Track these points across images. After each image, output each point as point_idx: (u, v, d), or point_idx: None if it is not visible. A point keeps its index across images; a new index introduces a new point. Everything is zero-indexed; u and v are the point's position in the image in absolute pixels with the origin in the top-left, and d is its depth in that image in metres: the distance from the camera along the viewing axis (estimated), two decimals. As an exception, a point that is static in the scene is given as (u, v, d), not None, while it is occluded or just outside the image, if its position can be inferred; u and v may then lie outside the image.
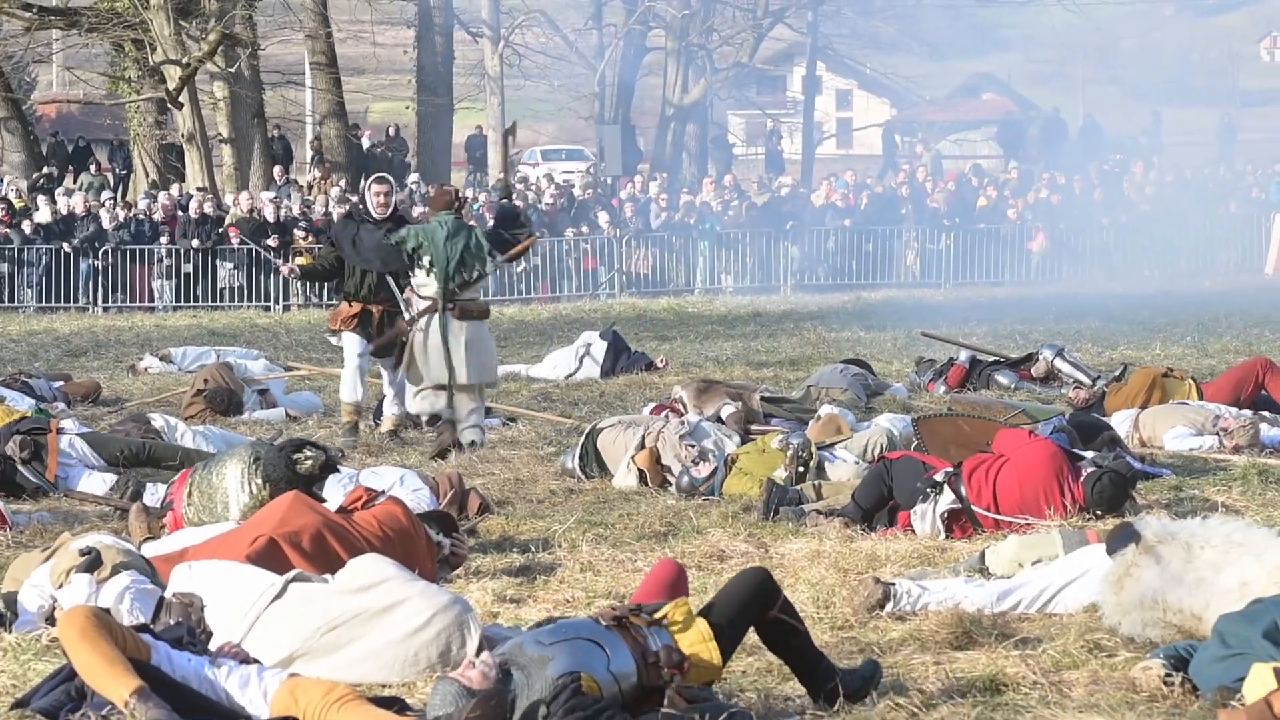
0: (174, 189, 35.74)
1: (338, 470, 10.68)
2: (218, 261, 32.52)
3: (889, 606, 8.59)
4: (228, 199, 35.02)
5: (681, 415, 14.05)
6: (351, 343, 15.30)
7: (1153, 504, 11.02)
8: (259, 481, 9.99)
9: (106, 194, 37.08)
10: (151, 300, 32.31)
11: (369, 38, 45.14)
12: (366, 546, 8.68)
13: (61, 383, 18.29)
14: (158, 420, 14.27)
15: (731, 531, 10.79)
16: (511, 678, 6.53)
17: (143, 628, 7.19)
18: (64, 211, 33.17)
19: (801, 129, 52.84)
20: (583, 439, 13.34)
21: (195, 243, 32.40)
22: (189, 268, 32.41)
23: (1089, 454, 11.46)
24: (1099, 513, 10.53)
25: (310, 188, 37.69)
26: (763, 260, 35.08)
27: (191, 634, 7.31)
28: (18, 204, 33.82)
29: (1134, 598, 8.01)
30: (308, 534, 8.74)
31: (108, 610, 7.20)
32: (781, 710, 7.13)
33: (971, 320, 25.84)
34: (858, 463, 12.45)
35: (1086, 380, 17.31)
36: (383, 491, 9.89)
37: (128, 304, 32.09)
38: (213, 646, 7.27)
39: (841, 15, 50.95)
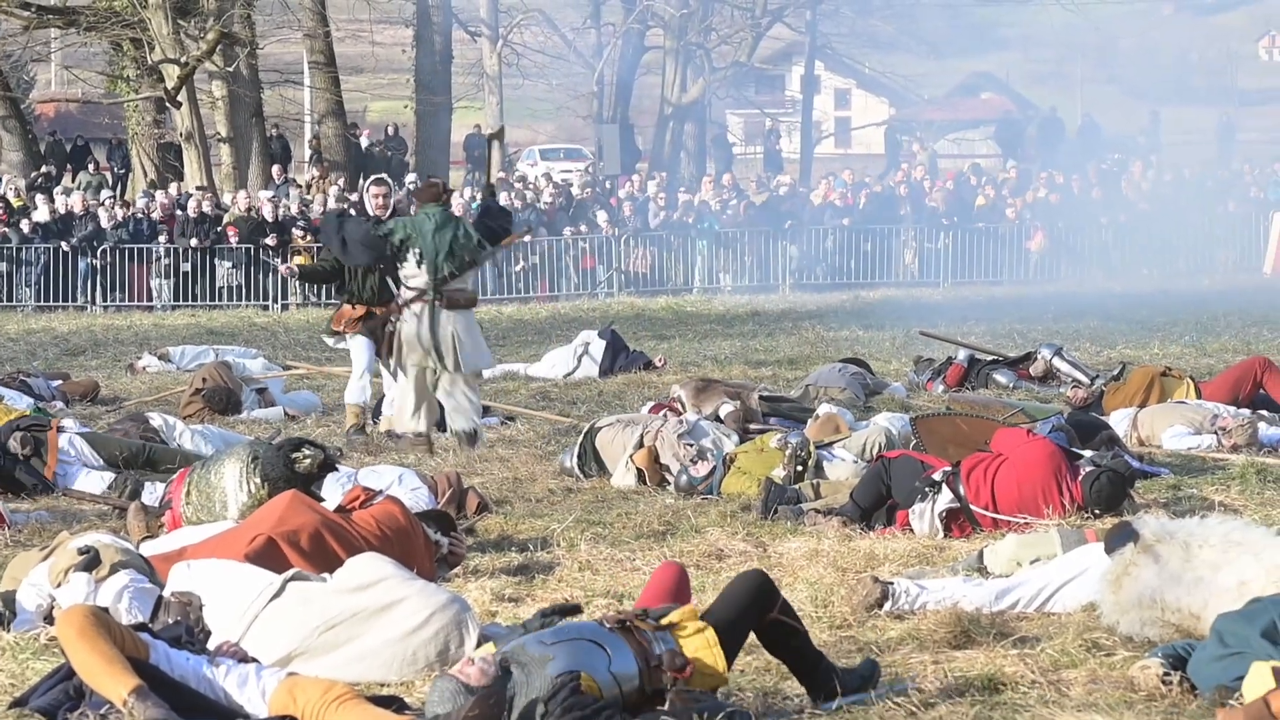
0: (172, 188, 35.75)
1: (336, 469, 10.67)
2: (216, 260, 32.52)
3: (887, 605, 8.60)
4: (226, 198, 35.02)
5: (680, 414, 14.05)
6: (359, 345, 15.30)
7: (1151, 503, 11.01)
8: (257, 480, 10.00)
9: (105, 193, 37.08)
10: (150, 299, 32.31)
11: (367, 37, 45.15)
12: (365, 545, 8.67)
13: (60, 381, 18.30)
14: (156, 419, 14.26)
15: (730, 530, 10.79)
16: (511, 675, 6.53)
17: (141, 626, 7.19)
18: (62, 210, 33.17)
19: (800, 128, 52.86)
20: (581, 438, 13.34)
21: (194, 242, 32.40)
22: (187, 267, 32.41)
23: (1087, 453, 11.46)
24: (1097, 512, 10.53)
25: (309, 187, 37.68)
26: (761, 259, 35.08)
27: (190, 633, 7.31)
28: (16, 203, 33.83)
29: (1132, 597, 8.01)
30: (306, 533, 8.74)
31: (106, 609, 7.20)
32: (780, 709, 7.13)
33: (970, 319, 25.84)
34: (856, 462, 12.45)
35: (1085, 379, 17.31)
36: (381, 491, 9.88)
37: (126, 303, 32.09)
38: (211, 645, 7.27)
39: (840, 14, 50.99)
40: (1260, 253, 36.47)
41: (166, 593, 8.04)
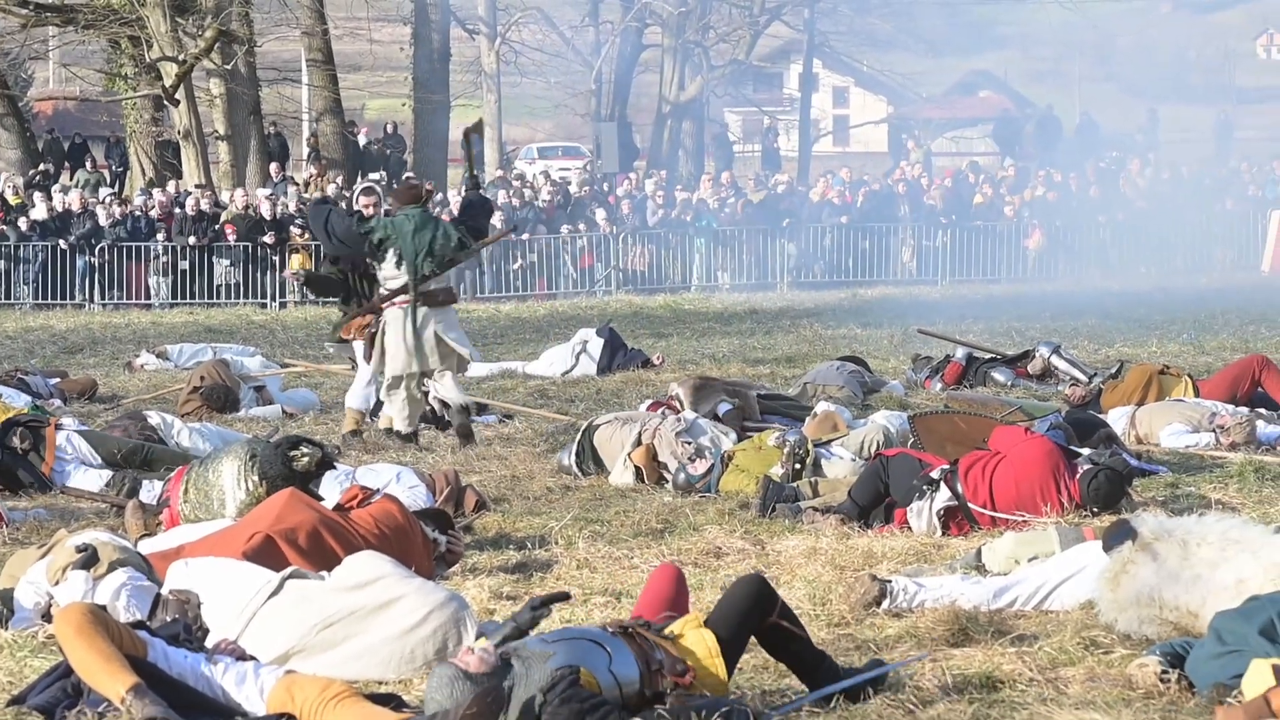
0: (170, 186, 35.74)
1: (334, 467, 10.68)
2: (214, 258, 32.52)
3: (885, 604, 8.59)
4: (224, 196, 35.01)
5: (678, 412, 14.05)
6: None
7: (1149, 501, 11.02)
8: (255, 478, 9.99)
9: (103, 191, 37.06)
10: (148, 297, 32.31)
11: (365, 34, 45.12)
12: (363, 544, 8.67)
13: (58, 380, 18.29)
14: (154, 417, 14.26)
15: (728, 529, 10.79)
16: (511, 668, 6.54)
17: (139, 624, 7.19)
18: (60, 208, 33.16)
19: (798, 126, 52.85)
20: (579, 436, 13.34)
21: (192, 240, 32.40)
22: (185, 264, 32.42)
23: (1085, 451, 11.45)
24: (1095, 510, 10.53)
25: (307, 184, 37.67)
26: (759, 257, 35.10)
27: (188, 631, 7.31)
28: (14, 201, 33.81)
29: (1130, 594, 8.01)
30: (304, 531, 8.74)
31: (104, 607, 7.20)
32: (778, 707, 7.12)
33: (968, 317, 25.85)
34: (854, 460, 12.45)
35: (1083, 377, 17.32)
36: (378, 490, 9.88)
37: (124, 301, 32.10)
38: (209, 643, 7.26)
39: (838, 12, 50.99)
40: (1258, 251, 36.49)
41: (164, 590, 8.03)
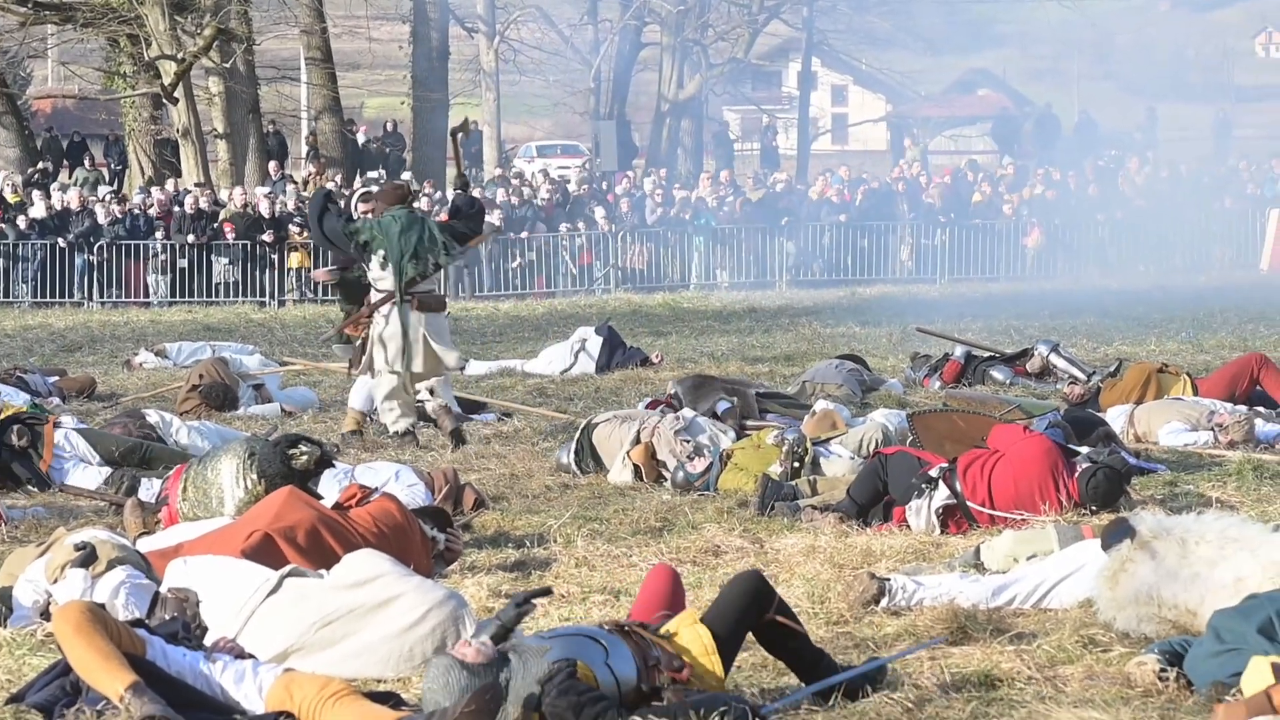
0: (169, 184, 35.73)
1: (333, 465, 10.67)
2: (213, 257, 32.53)
3: (884, 602, 8.59)
4: (223, 194, 35.02)
5: (677, 410, 14.04)
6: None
7: (1147, 499, 11.02)
8: (254, 477, 9.99)
9: (102, 189, 37.04)
10: (146, 295, 32.32)
11: (364, 33, 45.16)
12: (361, 542, 8.67)
13: (56, 378, 18.29)
14: (153, 415, 14.25)
15: (727, 527, 10.79)
16: (508, 661, 6.54)
17: (138, 623, 7.19)
18: (59, 206, 33.17)
19: (797, 124, 52.85)
20: (578, 434, 13.34)
21: (190, 238, 32.41)
22: (184, 263, 32.43)
23: (1084, 449, 11.45)
24: (1094, 508, 10.53)
25: (305, 183, 37.66)
26: (758, 256, 35.11)
27: (187, 629, 7.30)
28: (13, 199, 33.81)
29: (1129, 593, 8.01)
30: (303, 529, 8.74)
31: (103, 605, 7.20)
32: (776, 699, 7.11)
33: (966, 316, 25.86)
34: (853, 458, 12.45)
35: (1082, 376, 17.32)
36: (377, 488, 9.89)
37: (123, 299, 32.11)
38: (208, 641, 7.26)
39: (837, 10, 51.01)
40: (1257, 249, 36.50)
41: (163, 589, 8.03)
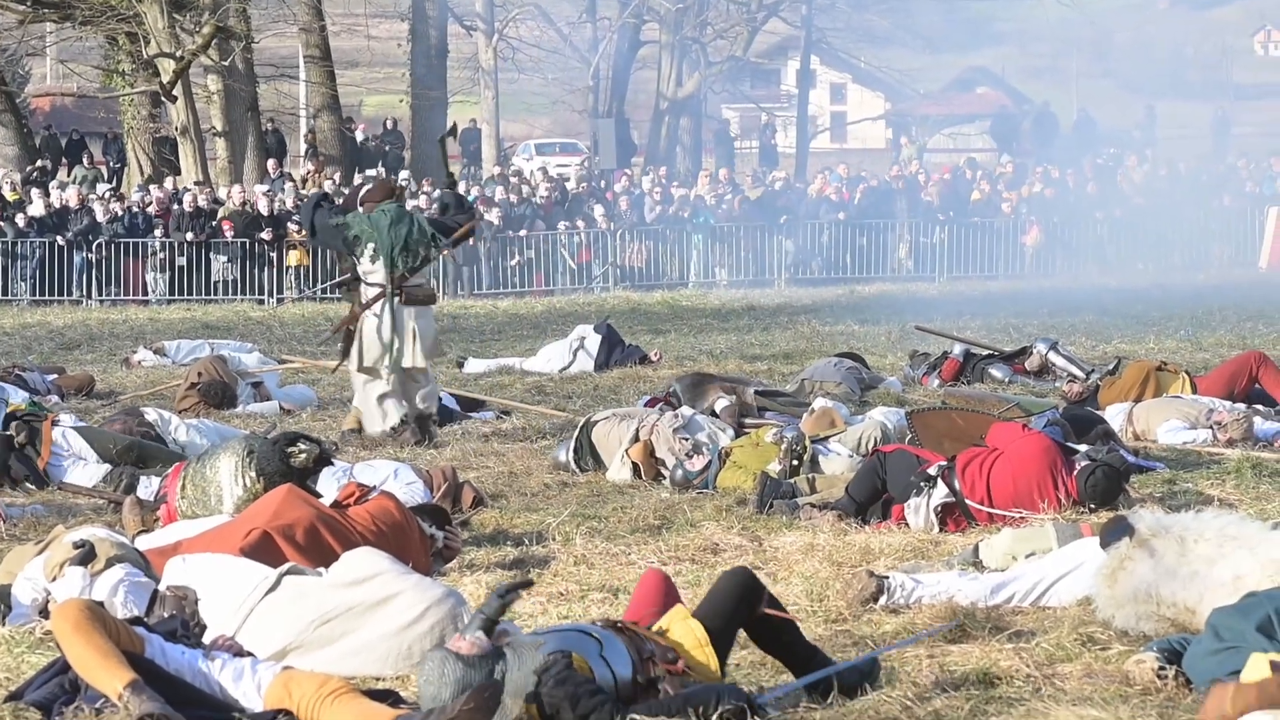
0: (168, 182, 35.72)
1: (331, 464, 10.67)
2: (211, 255, 32.52)
3: (883, 600, 8.59)
4: (221, 192, 35.02)
5: (675, 409, 14.05)
6: None
7: (1146, 498, 11.02)
8: (252, 475, 9.99)
9: (100, 187, 37.02)
10: (145, 293, 32.32)
11: (363, 31, 45.17)
12: (360, 540, 8.67)
13: (55, 376, 18.29)
14: (151, 413, 14.24)
15: (725, 525, 10.79)
16: (504, 656, 6.54)
17: (136, 621, 7.19)
18: (58, 204, 33.15)
19: (795, 122, 52.83)
20: (577, 432, 13.35)
21: (189, 236, 32.40)
22: (183, 261, 32.43)
23: (1082, 448, 11.46)
24: (1092, 506, 10.54)
25: (304, 181, 37.67)
26: (757, 254, 35.10)
27: (185, 627, 7.30)
28: (11, 197, 33.80)
29: (1128, 591, 8.01)
30: (301, 527, 8.73)
31: (101, 603, 7.20)
32: (772, 689, 7.11)
33: (965, 314, 25.86)
34: (851, 456, 12.45)
35: (1080, 374, 17.31)
36: (376, 486, 9.89)
37: (121, 297, 32.11)
38: (207, 639, 7.26)
39: (836, 9, 50.97)
40: (1255, 247, 36.49)
41: (162, 587, 8.03)
